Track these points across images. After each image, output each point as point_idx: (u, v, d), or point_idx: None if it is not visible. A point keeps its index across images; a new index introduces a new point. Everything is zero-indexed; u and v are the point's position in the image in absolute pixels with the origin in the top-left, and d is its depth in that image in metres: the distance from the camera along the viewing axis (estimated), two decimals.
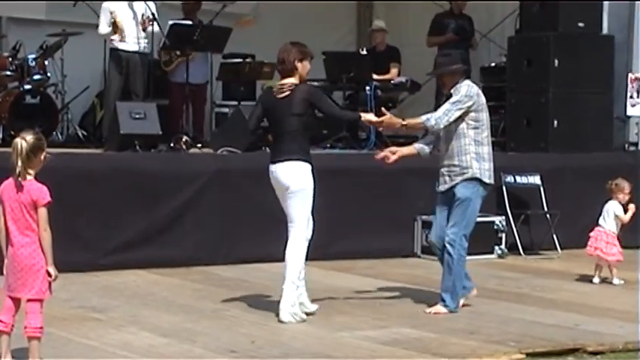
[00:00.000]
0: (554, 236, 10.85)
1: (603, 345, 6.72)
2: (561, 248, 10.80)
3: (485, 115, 7.80)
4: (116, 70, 10.86)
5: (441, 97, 12.27)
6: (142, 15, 10.85)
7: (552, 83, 11.43)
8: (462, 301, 7.83)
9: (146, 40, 10.97)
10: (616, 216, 9.20)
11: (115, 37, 10.77)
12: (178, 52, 11.48)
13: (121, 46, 10.82)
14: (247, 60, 12.17)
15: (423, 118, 7.77)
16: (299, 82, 7.42)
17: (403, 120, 7.96)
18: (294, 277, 7.30)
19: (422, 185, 10.46)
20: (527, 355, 6.50)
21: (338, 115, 8.04)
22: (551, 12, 11.58)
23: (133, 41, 10.86)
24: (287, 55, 7.43)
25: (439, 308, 7.69)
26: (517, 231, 10.59)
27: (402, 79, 12.25)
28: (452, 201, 7.71)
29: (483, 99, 7.82)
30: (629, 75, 11.87)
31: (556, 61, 11.43)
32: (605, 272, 9.23)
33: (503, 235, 10.61)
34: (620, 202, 9.23)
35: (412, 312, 7.75)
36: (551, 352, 6.58)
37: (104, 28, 10.82)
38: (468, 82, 7.85)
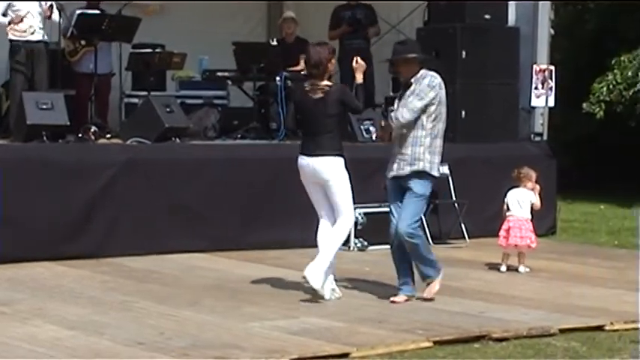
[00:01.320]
0: (462, 225, 11.01)
1: (508, 331, 6.84)
2: (469, 237, 10.96)
3: (444, 109, 7.84)
4: (20, 60, 10.65)
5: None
6: (46, 3, 10.69)
7: (460, 74, 11.55)
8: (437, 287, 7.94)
9: (49, 30, 10.81)
10: (532, 203, 9.37)
11: (19, 26, 10.55)
12: (83, 42, 11.34)
13: (25, 35, 10.61)
14: (157, 50, 12.07)
15: (391, 120, 7.91)
16: (329, 80, 7.93)
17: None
18: (330, 257, 7.84)
19: None
20: (435, 342, 6.58)
21: (360, 108, 8.28)
22: (458, 4, 11.72)
23: (37, 31, 10.68)
24: (321, 58, 7.84)
25: (434, 288, 7.89)
26: (426, 220, 10.68)
27: None
28: (402, 190, 7.79)
29: (444, 92, 7.86)
30: (535, 66, 12.06)
31: (463, 53, 11.58)
32: (512, 260, 9.40)
33: None
34: (530, 190, 9.41)
35: (321, 301, 7.78)
36: (457, 340, 6.68)
37: None
38: (432, 73, 7.86)
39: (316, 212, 8.12)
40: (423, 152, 7.73)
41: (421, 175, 7.74)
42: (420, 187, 7.75)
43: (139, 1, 11.66)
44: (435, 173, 7.83)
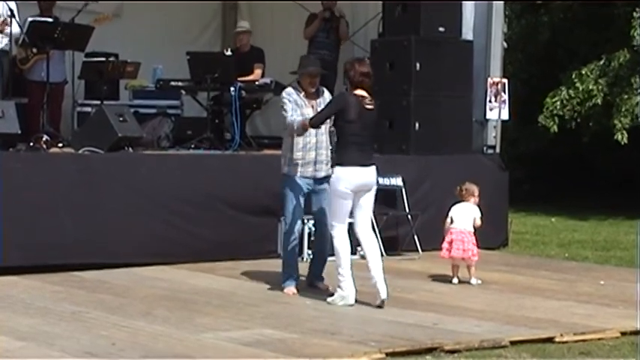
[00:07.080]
0: (415, 237, 11.04)
1: (460, 343, 6.87)
2: (422, 249, 10.99)
3: None
4: None
5: None
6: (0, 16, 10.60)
7: (414, 86, 11.60)
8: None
9: (2, 37, 10.73)
10: (474, 219, 9.43)
11: None
12: (35, 50, 11.25)
13: None
14: (110, 59, 11.99)
15: None
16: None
17: None
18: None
19: None
20: (387, 354, 6.60)
21: None
22: (412, 16, 11.77)
23: None
24: (370, 70, 8.14)
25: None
26: (379, 232, 10.72)
27: (267, 80, 12.25)
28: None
29: None
30: (489, 79, 12.14)
31: (417, 65, 11.62)
32: (463, 273, 9.45)
33: None
34: (474, 205, 9.48)
35: (274, 312, 7.79)
36: (410, 352, 6.70)
37: None
38: None
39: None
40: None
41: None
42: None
43: (96, 0, 11.54)
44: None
